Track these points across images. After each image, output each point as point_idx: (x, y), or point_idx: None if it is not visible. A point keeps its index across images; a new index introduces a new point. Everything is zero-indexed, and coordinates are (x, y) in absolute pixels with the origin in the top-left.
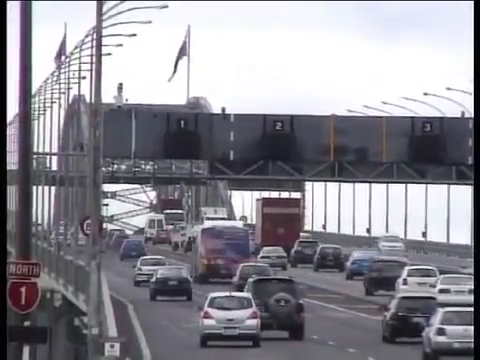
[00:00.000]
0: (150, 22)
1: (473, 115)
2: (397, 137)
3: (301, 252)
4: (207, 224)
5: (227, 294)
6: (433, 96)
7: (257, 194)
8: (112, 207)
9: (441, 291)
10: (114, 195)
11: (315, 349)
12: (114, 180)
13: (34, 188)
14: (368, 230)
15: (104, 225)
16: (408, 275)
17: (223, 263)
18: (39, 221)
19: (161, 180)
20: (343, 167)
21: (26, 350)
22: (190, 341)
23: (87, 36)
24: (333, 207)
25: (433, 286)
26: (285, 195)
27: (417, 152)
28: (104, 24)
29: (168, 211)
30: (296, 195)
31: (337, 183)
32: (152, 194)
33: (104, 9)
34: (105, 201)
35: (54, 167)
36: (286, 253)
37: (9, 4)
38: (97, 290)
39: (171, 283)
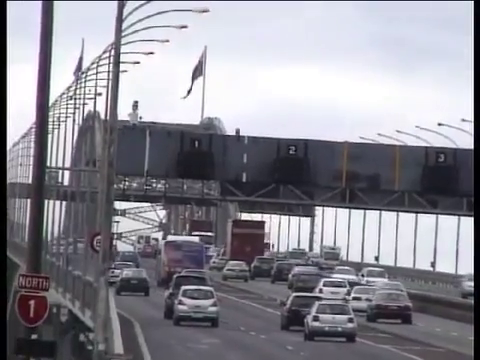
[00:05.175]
0: (168, 41)
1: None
2: (410, 166)
3: (259, 267)
4: (169, 238)
5: (196, 287)
6: (447, 127)
7: (267, 217)
8: (122, 225)
9: (354, 298)
10: (124, 213)
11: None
12: (125, 197)
13: (45, 202)
14: (376, 258)
15: (114, 242)
16: (323, 285)
17: (181, 271)
18: (49, 235)
19: (172, 199)
20: (354, 194)
21: None
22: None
23: (104, 53)
24: (342, 233)
25: (349, 294)
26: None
27: (430, 182)
28: (122, 41)
29: (196, 233)
30: (306, 220)
31: (347, 209)
32: (162, 213)
33: (123, 27)
34: (116, 218)
35: (66, 182)
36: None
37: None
38: (105, 306)
39: (133, 282)
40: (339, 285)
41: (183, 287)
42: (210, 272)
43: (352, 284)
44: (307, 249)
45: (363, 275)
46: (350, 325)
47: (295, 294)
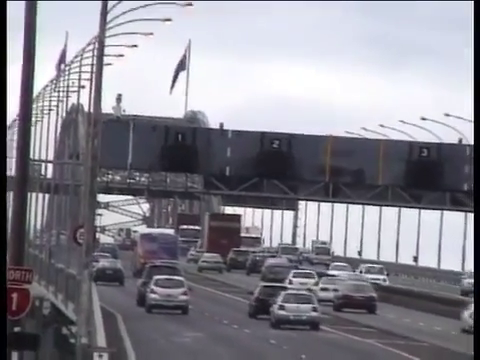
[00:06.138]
0: (152, 34)
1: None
2: (394, 161)
3: (235, 259)
4: (145, 230)
5: (167, 277)
6: (431, 121)
7: (250, 211)
8: (105, 218)
9: (322, 289)
10: (107, 206)
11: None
12: (108, 191)
13: (28, 195)
14: (359, 252)
15: (97, 235)
16: (293, 276)
17: (155, 262)
18: (32, 228)
19: (155, 193)
20: (338, 188)
21: (14, 356)
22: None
23: (88, 45)
24: (325, 227)
25: (317, 285)
26: (278, 212)
27: (413, 176)
28: (106, 34)
29: (184, 227)
30: (290, 213)
31: (330, 203)
32: (145, 206)
33: (107, 19)
34: (99, 211)
35: (49, 175)
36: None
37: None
38: (88, 299)
39: (108, 272)
40: (308, 276)
41: (155, 277)
42: (187, 264)
43: (321, 275)
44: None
45: (361, 271)
46: (314, 314)
47: (263, 284)
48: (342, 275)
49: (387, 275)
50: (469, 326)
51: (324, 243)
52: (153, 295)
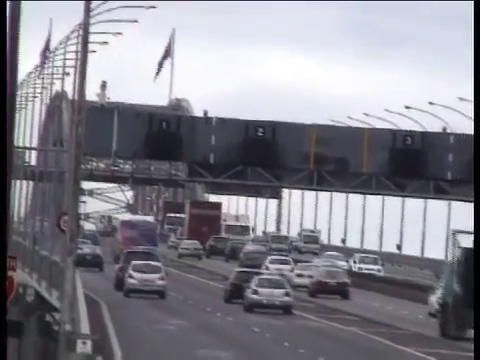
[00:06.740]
0: (137, 21)
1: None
2: (378, 149)
3: (214, 246)
4: (125, 217)
5: (145, 262)
6: (415, 110)
7: (234, 199)
8: (89, 205)
9: (297, 275)
10: (91, 193)
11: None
12: (92, 178)
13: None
14: (343, 241)
15: (81, 222)
16: (269, 263)
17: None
18: (15, 215)
19: (139, 180)
20: (322, 176)
21: None
22: None
23: (73, 32)
24: (310, 215)
25: (292, 271)
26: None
27: (397, 165)
28: (90, 21)
29: (171, 215)
30: (274, 201)
31: (314, 192)
32: (129, 194)
33: (91, 6)
34: (83, 198)
35: (33, 162)
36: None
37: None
38: (71, 286)
39: (88, 257)
40: (284, 263)
41: (133, 262)
42: (168, 251)
43: (297, 262)
44: (271, 231)
45: (355, 261)
46: (287, 298)
47: (238, 269)
48: (316, 261)
49: (382, 265)
50: (435, 310)
51: (312, 231)
52: (131, 280)
